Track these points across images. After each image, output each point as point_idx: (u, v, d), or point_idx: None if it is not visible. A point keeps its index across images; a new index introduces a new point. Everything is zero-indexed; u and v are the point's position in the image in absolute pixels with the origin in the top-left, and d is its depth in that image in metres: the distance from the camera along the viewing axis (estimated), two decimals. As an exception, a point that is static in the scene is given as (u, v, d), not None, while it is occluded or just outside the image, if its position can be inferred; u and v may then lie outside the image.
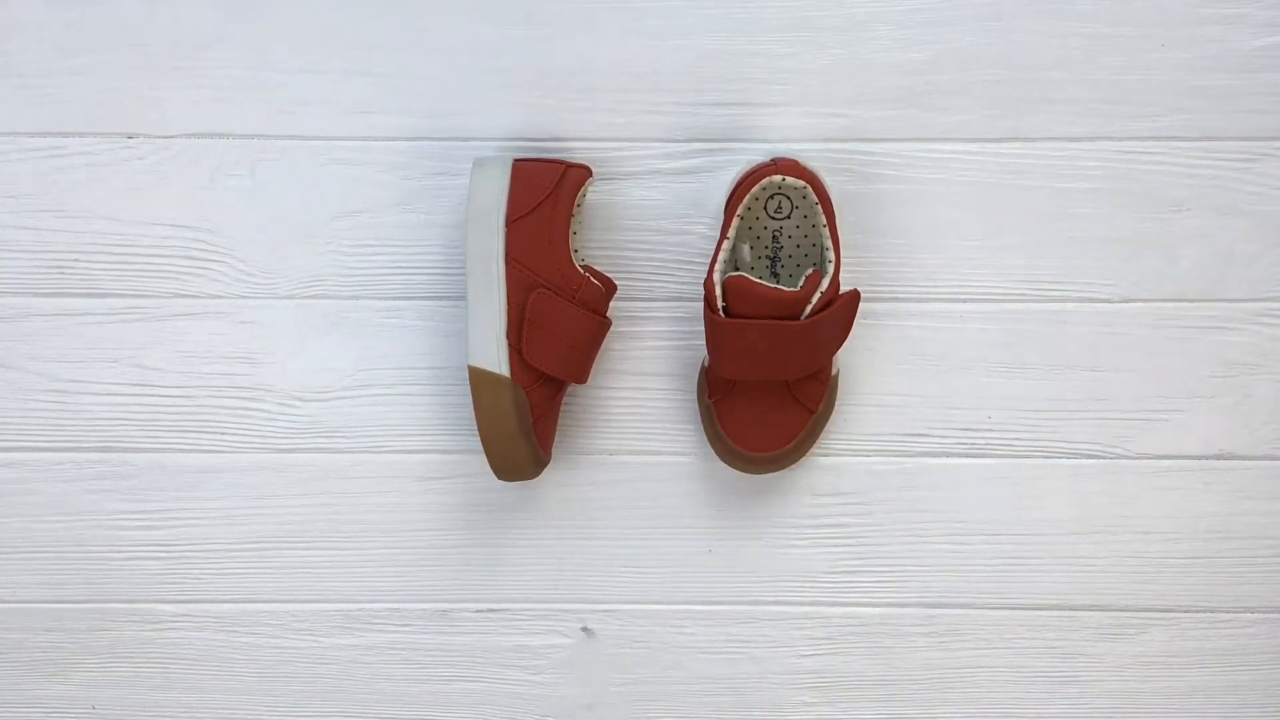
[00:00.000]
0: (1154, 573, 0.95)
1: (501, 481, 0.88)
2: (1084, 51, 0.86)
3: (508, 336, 0.83)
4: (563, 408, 0.91)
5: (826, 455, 0.93)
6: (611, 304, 0.88)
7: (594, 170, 0.87)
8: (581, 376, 0.87)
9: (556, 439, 0.91)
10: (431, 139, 0.88)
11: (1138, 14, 0.85)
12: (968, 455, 0.93)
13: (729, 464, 0.89)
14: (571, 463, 0.94)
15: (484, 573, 0.96)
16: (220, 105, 0.87)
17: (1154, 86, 0.86)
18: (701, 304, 0.85)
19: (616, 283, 0.88)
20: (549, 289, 0.83)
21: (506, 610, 0.97)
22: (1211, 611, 0.96)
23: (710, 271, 0.82)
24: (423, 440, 0.93)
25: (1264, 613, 0.96)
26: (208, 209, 0.89)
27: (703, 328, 0.86)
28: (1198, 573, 0.95)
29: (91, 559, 0.96)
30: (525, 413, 0.84)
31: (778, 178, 0.82)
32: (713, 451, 0.90)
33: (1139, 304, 0.90)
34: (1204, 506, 0.94)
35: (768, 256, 0.88)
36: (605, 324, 0.86)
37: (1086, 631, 0.96)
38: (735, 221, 0.83)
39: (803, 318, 0.81)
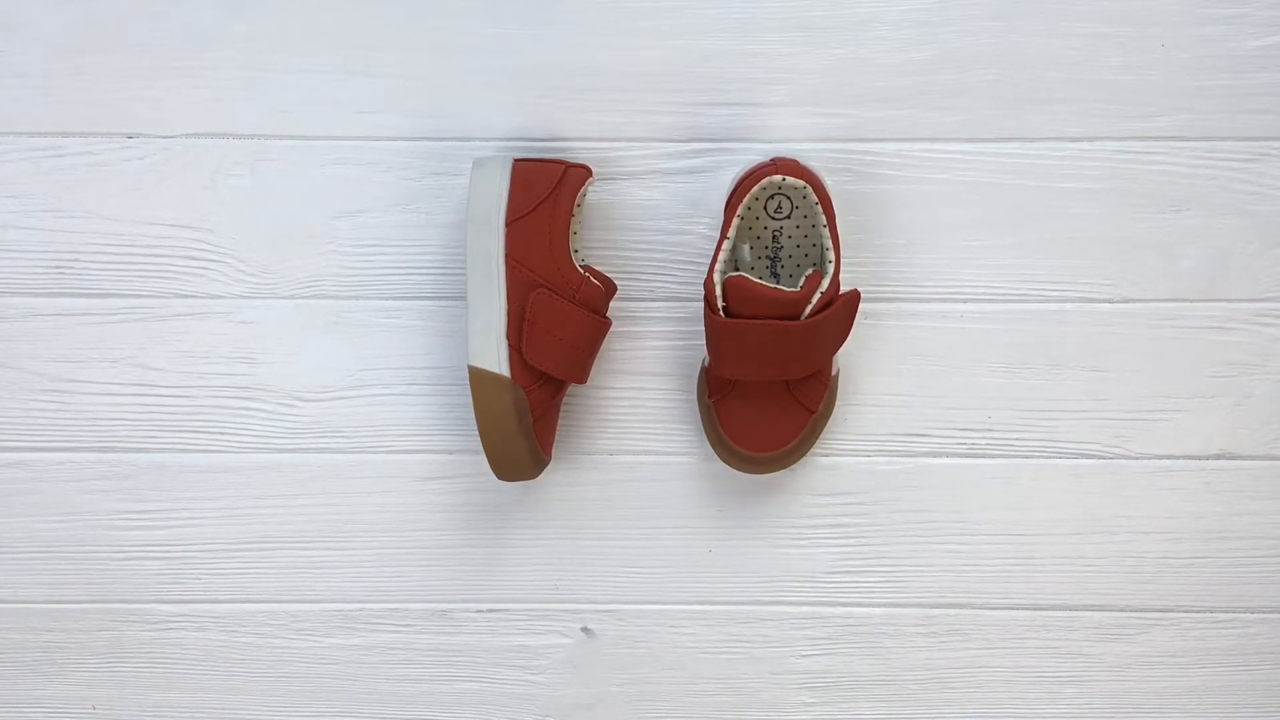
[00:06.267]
0: (1154, 573, 0.95)
1: (501, 481, 0.88)
2: (1084, 51, 0.86)
3: (508, 336, 0.83)
4: (563, 408, 0.92)
5: (826, 455, 0.93)
6: (611, 304, 0.88)
7: (594, 170, 0.87)
8: (581, 376, 0.87)
9: (556, 439, 0.91)
10: (431, 139, 0.88)
11: (1138, 14, 0.85)
12: (968, 455, 0.93)
13: (729, 464, 0.89)
14: (571, 463, 0.94)
15: (484, 573, 0.96)
16: (220, 105, 0.87)
17: (1154, 86, 0.86)
18: (701, 304, 0.85)
19: (616, 283, 0.88)
20: (549, 289, 0.83)
21: (506, 610, 0.97)
22: (1211, 611, 0.96)
23: (710, 271, 0.82)
24: (423, 440, 0.93)
25: (1264, 613, 0.96)
26: (208, 209, 0.89)
27: (703, 328, 0.86)
28: (1198, 573, 0.95)
29: (91, 559, 0.96)
30: (525, 413, 0.84)
31: (778, 178, 0.82)
32: (713, 451, 0.90)
33: (1139, 304, 0.90)
34: (1204, 506, 0.94)
35: (768, 256, 0.88)
36: (605, 324, 0.86)
37: (1086, 631, 0.96)
38: (735, 221, 0.83)
39: (803, 318, 0.81)
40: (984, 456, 0.93)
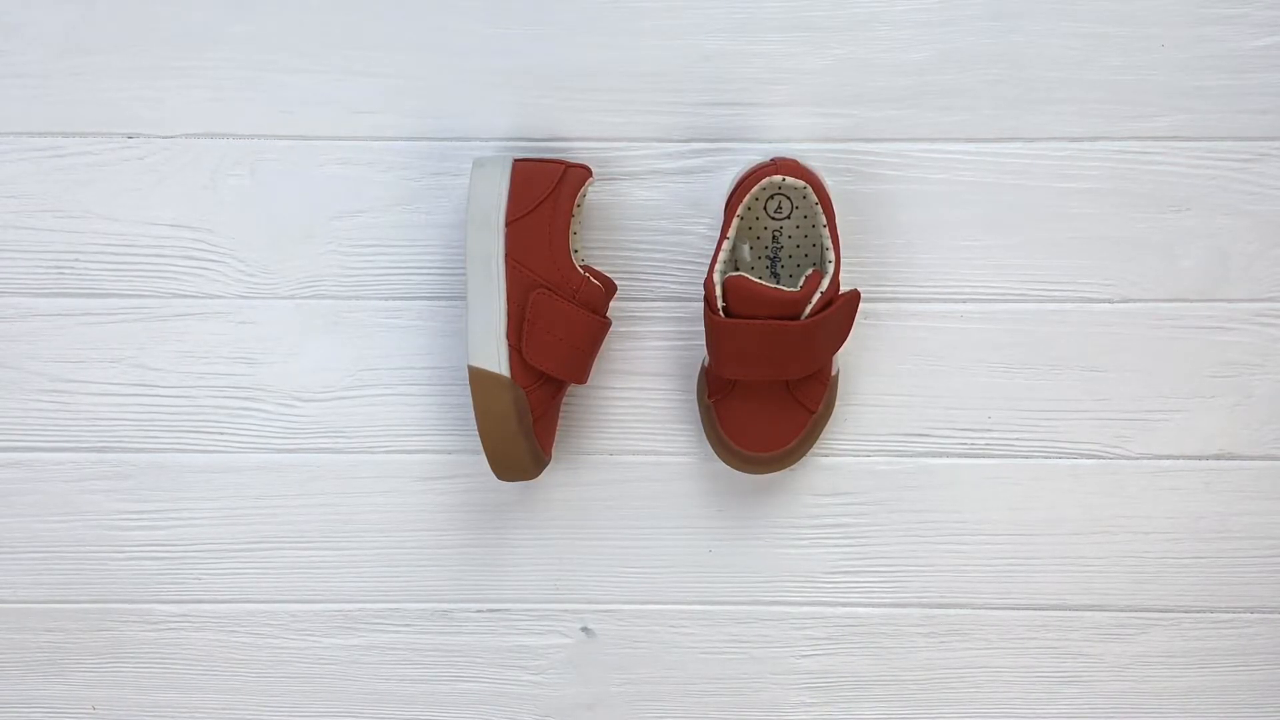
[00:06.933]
0: (1154, 573, 0.95)
1: (501, 481, 0.88)
2: (1084, 51, 0.86)
3: (508, 336, 0.83)
4: (563, 408, 0.92)
5: (826, 455, 0.93)
6: (611, 304, 0.88)
7: (594, 170, 0.87)
8: (581, 376, 0.87)
9: (556, 439, 0.91)
10: (431, 139, 0.88)
11: (1138, 14, 0.85)
12: (968, 455, 0.93)
13: (729, 464, 0.89)
14: (571, 463, 0.94)
15: (484, 573, 0.96)
16: (220, 105, 0.87)
17: (1154, 86, 0.86)
18: (701, 304, 0.85)
19: (616, 283, 0.88)
20: (549, 289, 0.83)
21: (506, 610, 0.97)
22: (1211, 611, 0.96)
23: (710, 271, 0.82)
24: (423, 440, 0.93)
25: (1264, 613, 0.96)
26: (208, 209, 0.89)
27: (703, 328, 0.86)
28: (1198, 573, 0.95)
29: (91, 559, 0.96)
30: (525, 413, 0.84)
31: (778, 178, 0.82)
32: (713, 451, 0.90)
33: (1139, 304, 0.90)
34: (1204, 506, 0.94)
35: (768, 256, 0.88)
36: (605, 324, 0.86)
37: (1086, 631, 0.96)
38: (735, 221, 0.83)
39: (803, 318, 0.81)
40: (984, 456, 0.93)
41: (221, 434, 0.93)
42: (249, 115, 0.88)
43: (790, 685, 0.98)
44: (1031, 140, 0.87)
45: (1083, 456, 0.93)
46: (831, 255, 0.83)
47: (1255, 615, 0.96)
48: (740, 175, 0.85)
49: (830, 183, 0.86)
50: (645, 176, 0.88)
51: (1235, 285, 0.89)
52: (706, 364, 0.89)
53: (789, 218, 0.87)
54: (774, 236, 0.88)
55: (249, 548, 0.95)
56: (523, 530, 0.95)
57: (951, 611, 0.96)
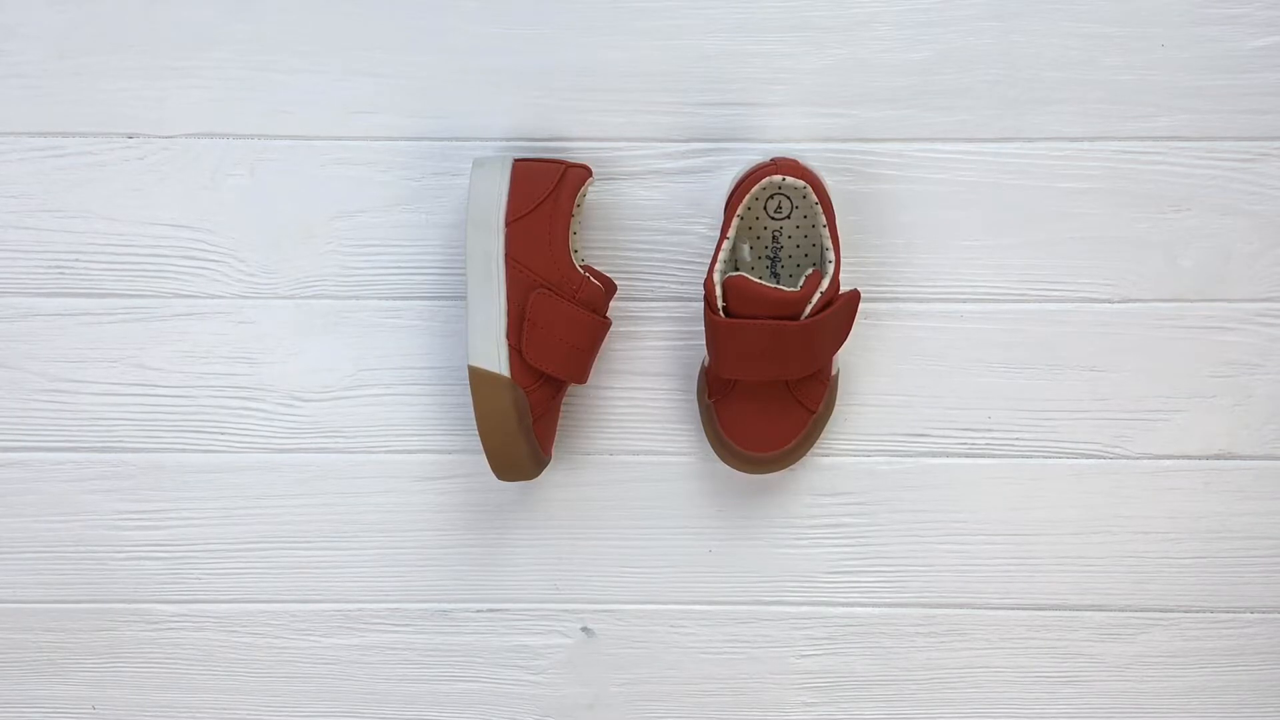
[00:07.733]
0: (1154, 573, 0.95)
1: (501, 481, 0.88)
2: (1084, 51, 0.86)
3: (508, 336, 0.83)
4: (563, 408, 0.92)
5: (826, 455, 0.93)
6: (611, 304, 0.88)
7: (594, 170, 0.87)
8: (581, 376, 0.87)
9: (556, 439, 0.91)
10: (431, 139, 0.88)
11: (1138, 14, 0.85)
12: (968, 455, 0.93)
13: (729, 464, 0.89)
14: (571, 463, 0.94)
15: (484, 573, 0.96)
16: (220, 105, 0.87)
17: (1154, 86, 0.86)
18: (701, 304, 0.85)
19: (616, 283, 0.88)
20: (549, 289, 0.83)
21: (506, 610, 0.97)
22: (1211, 611, 0.96)
23: (710, 271, 0.82)
24: (423, 440, 0.93)
25: (1264, 613, 0.96)
26: (208, 209, 0.89)
27: (703, 328, 0.86)
28: (1198, 573, 0.95)
29: (91, 559, 0.96)
30: (525, 413, 0.84)
31: (778, 178, 0.82)
32: (713, 451, 0.90)
33: (1139, 304, 0.90)
34: (1204, 506, 0.94)
35: (768, 256, 0.88)
36: (605, 324, 0.86)
37: (1086, 631, 0.96)
38: (735, 221, 0.83)
39: (803, 318, 0.81)
40: (984, 456, 0.93)
41: (221, 434, 0.93)
42: (249, 115, 0.88)
43: (790, 685, 0.98)
44: (1031, 140, 0.87)
45: (1083, 456, 0.93)
46: (831, 255, 0.83)
47: (1255, 615, 0.96)
48: (740, 175, 0.85)
49: (830, 183, 0.87)
50: (645, 176, 0.88)
51: (1235, 285, 0.89)
52: (706, 364, 0.89)
53: (789, 218, 0.87)
54: (774, 236, 0.88)
55: (249, 548, 0.95)
56: (523, 530, 0.95)
57: (951, 611, 0.96)
